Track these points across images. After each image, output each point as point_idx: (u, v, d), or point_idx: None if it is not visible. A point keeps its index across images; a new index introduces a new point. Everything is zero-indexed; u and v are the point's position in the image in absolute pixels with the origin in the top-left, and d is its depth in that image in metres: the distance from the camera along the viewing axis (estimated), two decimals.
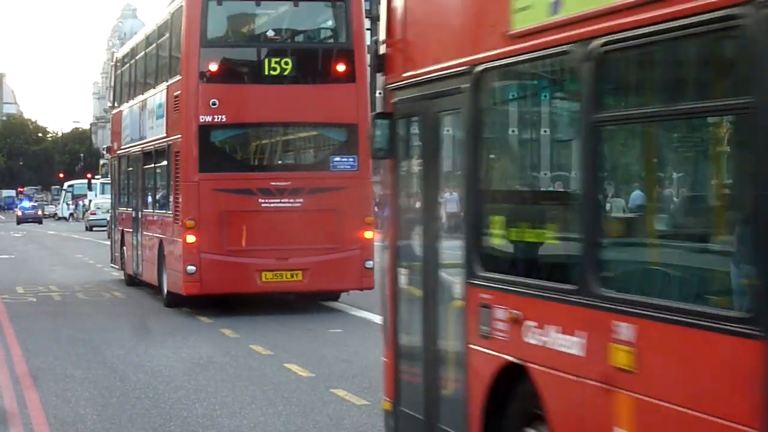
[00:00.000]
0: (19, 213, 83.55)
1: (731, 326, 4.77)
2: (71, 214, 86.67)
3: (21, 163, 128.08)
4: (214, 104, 20.14)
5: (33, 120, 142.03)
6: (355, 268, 20.20)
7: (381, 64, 8.18)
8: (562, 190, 6.36)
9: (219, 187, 20.12)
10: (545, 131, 6.69)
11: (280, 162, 21.39)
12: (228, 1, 21.04)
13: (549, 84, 6.51)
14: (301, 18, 21.46)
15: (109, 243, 30.34)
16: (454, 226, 7.46)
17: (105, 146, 30.99)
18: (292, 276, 20.27)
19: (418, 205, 7.95)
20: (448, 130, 7.43)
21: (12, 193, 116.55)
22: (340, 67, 20.33)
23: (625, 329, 5.48)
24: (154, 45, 23.69)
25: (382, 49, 8.20)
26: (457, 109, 7.15)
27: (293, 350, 15.63)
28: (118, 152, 27.71)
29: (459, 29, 7.30)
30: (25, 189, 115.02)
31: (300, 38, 21.63)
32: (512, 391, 6.59)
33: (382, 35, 8.21)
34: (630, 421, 5.48)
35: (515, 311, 6.50)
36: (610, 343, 5.58)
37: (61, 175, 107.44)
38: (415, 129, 7.92)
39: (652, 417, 5.32)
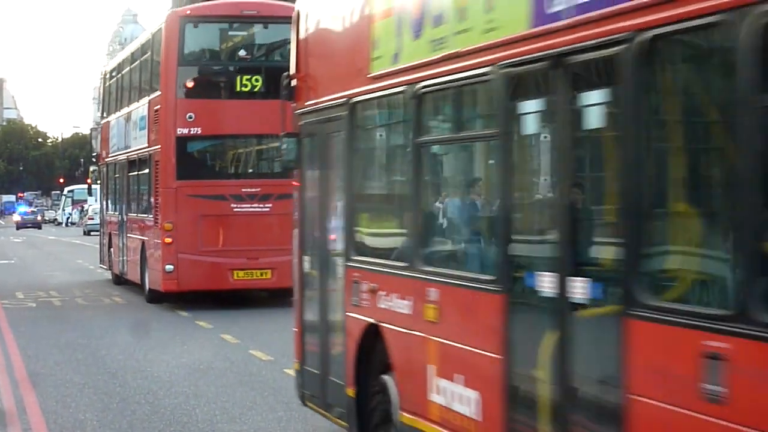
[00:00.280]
0: (18, 218, 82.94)
1: (486, 286, 6.90)
2: (67, 219, 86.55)
3: (21, 168, 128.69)
4: (190, 118, 22.28)
5: (33, 125, 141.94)
6: None
7: (291, 93, 10.31)
8: (400, 194, 8.48)
9: (195, 193, 22.25)
10: (392, 150, 8.82)
11: (250, 170, 23.46)
12: (203, 24, 23.21)
13: (393, 113, 8.62)
14: (270, 38, 23.49)
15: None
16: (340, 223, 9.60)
17: (94, 154, 33.03)
18: (261, 274, 22.38)
19: (316, 206, 10.09)
20: (334, 148, 9.56)
21: (12, 198, 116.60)
22: None
23: (433, 293, 7.62)
24: (137, 62, 25.81)
25: (293, 82, 10.33)
26: (340, 131, 9.28)
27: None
28: (106, 160, 29.82)
29: (341, 70, 9.43)
30: (25, 194, 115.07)
31: (269, 57, 23.70)
32: (373, 346, 8.71)
33: (292, 70, 10.35)
34: (435, 358, 7.62)
35: (373, 284, 8.63)
36: (425, 304, 7.71)
37: (62, 180, 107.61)
38: (314, 146, 10.06)
39: (447, 354, 7.45)
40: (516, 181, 6.78)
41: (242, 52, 23.45)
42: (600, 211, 6.15)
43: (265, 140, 23.11)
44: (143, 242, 24.24)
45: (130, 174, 26.19)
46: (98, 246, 32.14)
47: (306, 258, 10.31)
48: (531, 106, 6.56)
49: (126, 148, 26.74)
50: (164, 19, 23.27)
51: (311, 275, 10.20)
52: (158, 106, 22.91)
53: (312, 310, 10.15)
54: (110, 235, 28.94)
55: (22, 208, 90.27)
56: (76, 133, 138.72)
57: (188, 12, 23.72)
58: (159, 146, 22.85)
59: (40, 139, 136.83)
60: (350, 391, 9.08)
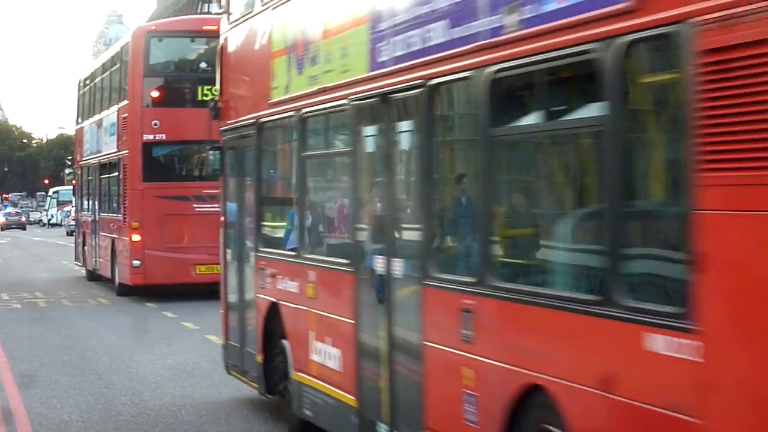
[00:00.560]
0: (3, 220, 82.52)
1: (343, 268, 9.00)
2: (49, 220, 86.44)
3: (6, 169, 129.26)
4: (155, 125, 24.37)
5: (18, 126, 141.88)
6: None
7: (216, 113, 12.39)
8: (291, 198, 10.56)
9: (160, 194, 24.32)
10: (287, 162, 10.90)
11: (211, 173, 25.51)
12: (167, 39, 25.30)
13: (287, 133, 10.71)
14: None
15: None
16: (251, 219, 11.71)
17: (69, 157, 34.98)
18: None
19: (235, 207, 12.17)
20: (247, 159, 11.65)
21: None
22: None
23: (312, 275, 9.72)
24: (108, 72, 27.86)
25: (219, 104, 12.41)
26: (251, 146, 11.37)
27: None
28: (81, 163, 31.85)
29: (251, 96, 11.53)
30: (10, 195, 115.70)
31: None
32: (275, 320, 10.79)
33: (217, 94, 12.43)
34: (314, 326, 9.71)
35: (273, 270, 10.73)
36: (306, 284, 9.81)
37: (47, 182, 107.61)
38: (233, 157, 12.14)
39: (321, 322, 9.55)
40: (361, 187, 8.89)
41: (203, 65, 25.32)
42: (408, 210, 8.24)
43: None
44: (113, 240, 26.29)
45: (102, 176, 28.22)
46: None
47: (228, 251, 12.42)
48: (370, 130, 8.67)
49: (98, 152, 28.77)
50: (131, 34, 25.38)
51: (232, 265, 12.30)
52: (126, 114, 24.97)
53: (233, 293, 12.25)
54: (84, 234, 30.98)
55: (7, 210, 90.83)
56: (62, 134, 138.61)
57: (153, 27, 25.89)
58: (127, 151, 24.90)
59: (25, 140, 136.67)
60: (259, 358, 11.19)
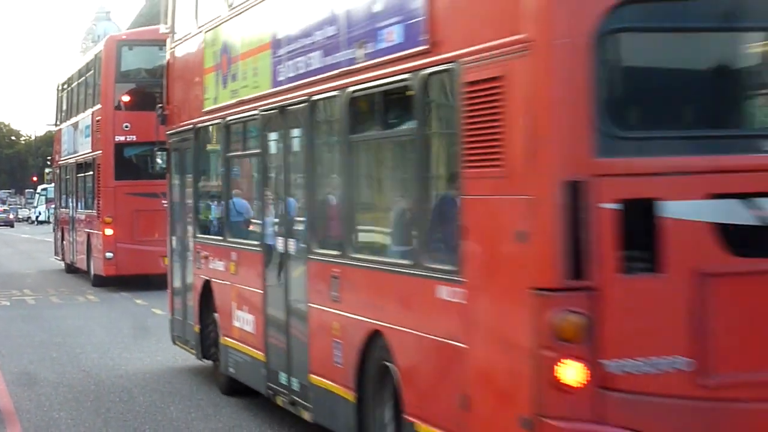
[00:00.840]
0: None
1: (254, 248, 11.00)
2: (37, 217, 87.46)
3: None
4: (126, 127, 26.34)
5: (6, 123, 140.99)
6: None
7: (163, 119, 14.35)
8: (219, 191, 12.53)
9: (131, 191, 26.29)
10: (216, 161, 12.87)
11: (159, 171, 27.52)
12: (137, 47, 27.28)
13: (216, 137, 12.68)
14: None
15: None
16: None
17: (48, 157, 36.95)
18: None
19: (178, 200, 14.15)
20: (187, 159, 13.63)
21: None
22: None
23: (233, 255, 11.71)
24: (83, 77, 29.80)
25: (165, 111, 14.37)
26: (189, 147, 13.35)
27: None
28: (59, 163, 33.79)
29: (189, 105, 13.48)
30: None
31: None
32: (207, 295, 12.77)
33: (164, 102, 14.39)
34: (235, 298, 11.71)
35: (206, 252, 12.71)
36: (230, 263, 11.80)
37: (35, 179, 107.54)
38: (177, 157, 14.12)
39: (240, 294, 11.55)
40: (267, 182, 10.88)
41: None
42: (298, 201, 10.22)
43: None
44: (89, 234, 28.25)
45: (78, 175, 30.17)
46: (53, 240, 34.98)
47: (173, 238, 14.39)
48: (272, 136, 10.66)
49: (75, 152, 30.72)
50: (104, 43, 27.35)
51: (176, 250, 14.27)
52: (99, 117, 26.94)
53: (177, 275, 14.22)
54: (63, 229, 32.92)
55: None
56: (50, 132, 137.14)
57: (124, 37, 27.91)
58: (100, 151, 26.86)
59: (13, 138, 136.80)
60: (196, 328, 13.18)
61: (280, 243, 10.36)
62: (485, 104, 6.66)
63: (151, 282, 26.04)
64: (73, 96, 31.52)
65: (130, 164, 26.86)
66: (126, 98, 26.53)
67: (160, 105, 14.51)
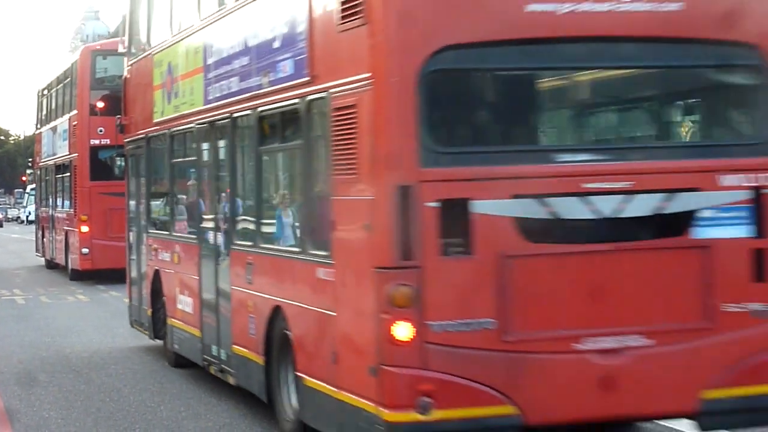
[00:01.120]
0: None
1: (192, 242, 12.91)
2: (27, 217, 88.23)
3: None
4: (100, 131, 28.23)
5: None
6: None
7: (122, 128, 16.27)
8: (166, 192, 14.44)
9: (105, 191, 28.15)
10: (164, 166, 14.77)
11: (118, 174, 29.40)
12: (111, 56, 29.10)
13: (164, 146, 14.58)
14: None
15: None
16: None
17: (29, 160, 38.88)
18: None
19: (134, 199, 16.07)
20: (141, 164, 15.55)
21: None
22: None
23: (177, 248, 13.64)
24: (61, 84, 31.72)
25: (123, 121, 16.28)
26: (143, 154, 15.27)
27: None
28: (40, 164, 35.69)
29: (142, 117, 15.40)
30: None
31: None
32: (157, 283, 14.69)
33: (122, 113, 16.31)
34: (178, 284, 13.63)
35: (156, 245, 14.64)
36: (174, 254, 13.73)
37: (24, 179, 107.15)
38: (132, 162, 16.04)
39: (182, 281, 13.48)
40: (202, 185, 12.80)
41: None
42: (224, 201, 12.11)
43: None
44: (66, 232, 30.15)
45: (57, 176, 32.08)
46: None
47: (130, 233, 16.32)
48: (206, 146, 12.57)
49: (53, 155, 32.63)
50: (79, 53, 29.26)
51: (133, 245, 16.19)
52: (75, 122, 28.84)
53: (134, 266, 16.15)
54: (43, 227, 34.82)
55: None
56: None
57: (98, 47, 29.81)
58: (76, 154, 28.76)
59: (2, 137, 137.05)
60: (149, 312, 15.12)
61: (211, 237, 12.29)
62: (345, 125, 8.58)
63: (124, 275, 28.11)
64: (52, 101, 33.40)
65: (105, 166, 28.62)
66: (100, 104, 28.41)
67: (118, 116, 16.41)
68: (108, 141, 28.23)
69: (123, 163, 16.49)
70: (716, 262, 8.40)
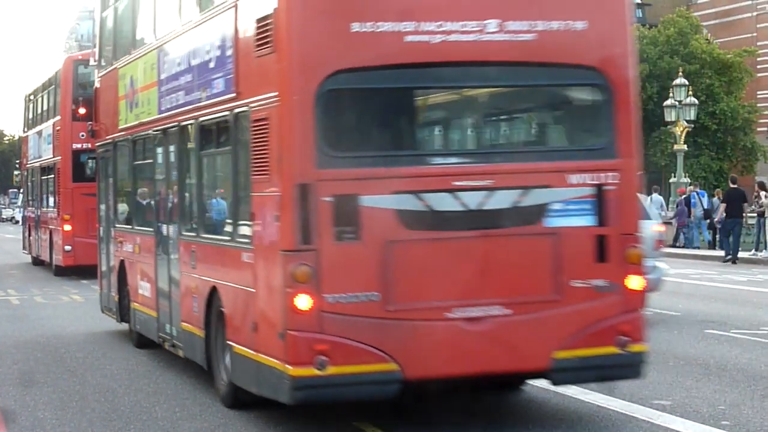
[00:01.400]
0: None
1: (149, 234, 14.75)
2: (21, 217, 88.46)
3: None
4: (82, 136, 29.98)
5: None
6: None
7: (93, 133, 18.10)
8: (129, 191, 16.27)
9: (86, 192, 29.80)
10: (129, 168, 16.58)
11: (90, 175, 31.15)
12: (91, 65, 31.02)
13: (128, 150, 16.39)
14: None
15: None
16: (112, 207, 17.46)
17: (17, 161, 40.74)
18: None
19: (104, 197, 17.90)
20: (109, 166, 17.38)
21: None
22: None
23: (138, 239, 15.47)
24: (46, 91, 33.55)
25: (95, 127, 18.11)
26: (110, 157, 17.11)
27: None
28: (27, 166, 37.52)
29: (109, 124, 17.23)
30: None
31: None
32: (123, 271, 16.52)
33: (94, 120, 18.14)
34: (139, 272, 15.46)
35: (121, 238, 16.48)
36: (135, 245, 15.57)
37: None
38: (102, 164, 17.87)
39: (141, 269, 15.31)
40: (158, 184, 14.63)
41: None
42: (174, 198, 13.92)
43: None
44: (50, 230, 31.99)
45: (42, 178, 33.91)
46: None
47: (101, 228, 18.15)
48: (160, 150, 14.40)
49: (39, 157, 34.47)
50: (62, 62, 31.12)
51: (103, 238, 18.02)
52: (59, 127, 30.70)
53: (104, 258, 17.98)
54: (29, 226, 36.66)
55: None
56: None
57: (80, 56, 31.64)
58: (60, 157, 30.60)
59: None
60: (115, 298, 16.97)
61: (164, 229, 14.13)
62: (261, 134, 10.42)
63: None
64: (38, 107, 35.24)
65: (86, 168, 30.54)
66: (82, 110, 30.21)
67: (90, 123, 18.24)
68: (89, 145, 29.95)
69: (93, 166, 18.29)
70: (565, 246, 10.24)
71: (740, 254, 32.52)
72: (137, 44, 15.52)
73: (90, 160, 18.52)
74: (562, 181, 10.27)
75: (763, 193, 32.50)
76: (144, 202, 15.67)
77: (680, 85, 45.02)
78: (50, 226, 32.19)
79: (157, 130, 14.29)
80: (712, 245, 36.72)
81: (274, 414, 11.12)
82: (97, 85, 18.28)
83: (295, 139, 9.89)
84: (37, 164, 34.80)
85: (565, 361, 10.28)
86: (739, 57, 65.26)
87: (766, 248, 32.58)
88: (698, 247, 37.13)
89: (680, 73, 47.15)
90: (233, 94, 11.25)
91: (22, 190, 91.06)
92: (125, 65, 16.14)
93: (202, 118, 12.38)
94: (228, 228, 11.75)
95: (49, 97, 33.18)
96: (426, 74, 10.21)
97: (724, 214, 32.57)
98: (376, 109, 10.46)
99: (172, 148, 13.85)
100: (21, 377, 14.20)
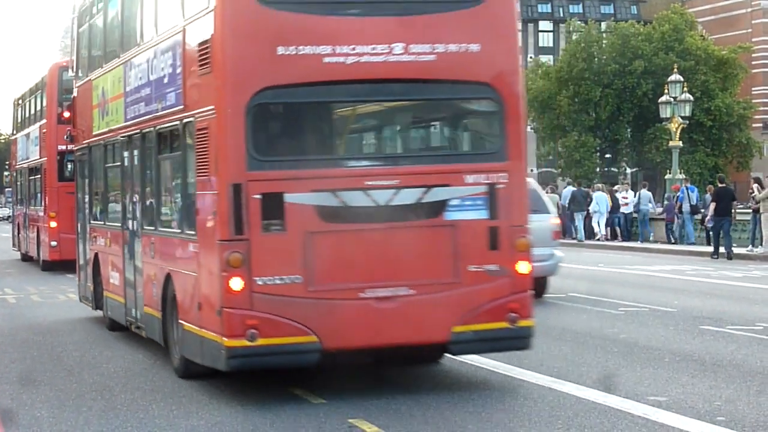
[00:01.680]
0: None
1: (120, 229, 16.52)
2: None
3: None
4: (66, 138, 31.78)
5: None
6: None
7: (71, 138, 19.88)
8: (101, 191, 18.02)
9: (70, 190, 31.06)
10: (100, 170, 18.32)
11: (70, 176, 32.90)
12: (70, 77, 32.80)
13: (100, 153, 18.13)
14: None
15: None
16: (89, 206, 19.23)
17: (6, 162, 42.54)
18: None
19: (82, 196, 19.66)
20: (85, 167, 19.15)
21: None
22: None
23: (110, 234, 17.25)
24: (33, 95, 35.32)
25: (73, 132, 19.88)
26: (86, 160, 18.88)
27: None
28: (16, 167, 39.30)
29: (85, 129, 18.99)
30: None
31: None
32: (97, 263, 18.29)
33: (72, 126, 19.91)
34: (110, 263, 17.23)
35: (95, 233, 18.26)
36: (107, 239, 17.35)
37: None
38: (80, 166, 19.65)
39: (112, 261, 17.08)
40: (126, 185, 16.39)
41: None
42: (137, 197, 15.67)
43: None
44: (38, 227, 33.77)
45: (30, 178, 35.68)
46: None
47: (78, 224, 19.93)
48: (126, 154, 16.18)
49: (27, 158, 36.25)
50: (48, 69, 32.92)
51: (80, 234, 19.80)
52: (45, 130, 32.47)
53: (81, 251, 19.76)
54: (19, 224, 38.44)
55: None
56: None
57: (65, 63, 33.34)
58: (46, 158, 32.36)
59: None
60: (90, 287, 18.74)
61: (130, 224, 15.91)
62: (203, 141, 12.21)
63: None
64: (26, 110, 37.03)
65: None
66: (67, 114, 31.90)
67: (68, 128, 20.03)
68: (74, 147, 31.82)
69: (72, 168, 20.07)
70: (462, 236, 12.02)
71: (736, 250, 32.69)
72: (107, 58, 17.28)
73: (69, 163, 20.19)
74: (460, 181, 12.04)
75: (756, 186, 32.87)
76: (114, 201, 17.44)
77: (675, 82, 45.46)
78: (38, 224, 33.98)
79: (123, 136, 16.06)
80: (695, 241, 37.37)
81: (272, 412, 11.51)
82: (74, 94, 20.05)
83: (229, 145, 11.67)
84: (25, 165, 36.57)
85: (462, 335, 12.05)
86: (734, 53, 65.97)
87: (761, 244, 32.75)
88: (693, 243, 37.44)
89: (675, 70, 48.12)
90: (182, 106, 13.02)
91: (11, 190, 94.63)
92: (98, 77, 17.89)
93: (158, 126, 14.16)
94: (179, 222, 13.52)
95: (36, 101, 34.97)
96: (341, 90, 12.00)
97: (713, 212, 32.75)
98: (299, 120, 12.26)
99: (136, 152, 15.62)
100: (18, 376, 14.33)
